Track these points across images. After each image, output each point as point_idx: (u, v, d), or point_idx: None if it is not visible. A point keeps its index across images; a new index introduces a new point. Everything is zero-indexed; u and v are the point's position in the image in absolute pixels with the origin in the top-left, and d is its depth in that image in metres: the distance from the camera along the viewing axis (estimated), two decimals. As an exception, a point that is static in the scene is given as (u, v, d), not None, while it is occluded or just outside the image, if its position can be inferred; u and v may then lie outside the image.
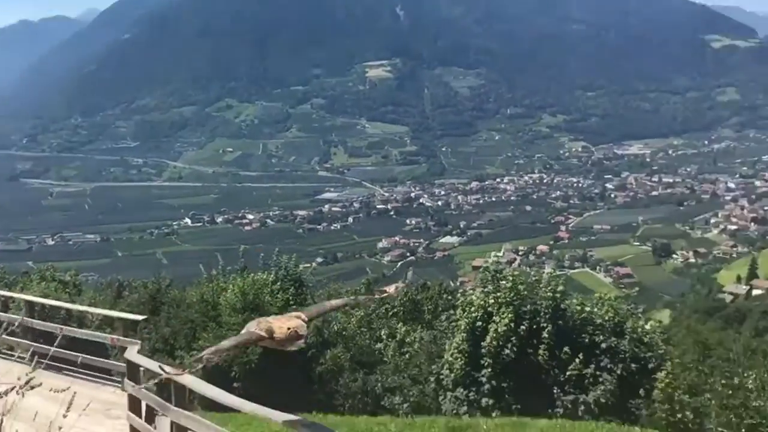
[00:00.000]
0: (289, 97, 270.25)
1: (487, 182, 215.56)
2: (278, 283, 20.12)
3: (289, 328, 4.09)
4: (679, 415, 13.25)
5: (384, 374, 17.15)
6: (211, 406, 11.09)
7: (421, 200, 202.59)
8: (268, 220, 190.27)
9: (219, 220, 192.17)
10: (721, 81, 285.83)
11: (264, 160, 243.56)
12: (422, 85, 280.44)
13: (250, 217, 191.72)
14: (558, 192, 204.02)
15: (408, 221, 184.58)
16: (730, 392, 14.10)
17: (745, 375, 14.96)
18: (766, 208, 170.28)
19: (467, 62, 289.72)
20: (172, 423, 8.88)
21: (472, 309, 15.43)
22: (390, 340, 19.60)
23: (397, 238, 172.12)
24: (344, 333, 19.18)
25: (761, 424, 13.78)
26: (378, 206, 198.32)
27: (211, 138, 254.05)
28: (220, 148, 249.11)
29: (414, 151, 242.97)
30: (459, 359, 15.10)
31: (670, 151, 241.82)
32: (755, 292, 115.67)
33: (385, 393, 16.33)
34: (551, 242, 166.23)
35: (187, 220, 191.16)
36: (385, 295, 6.11)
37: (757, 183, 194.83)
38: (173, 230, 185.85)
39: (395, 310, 23.94)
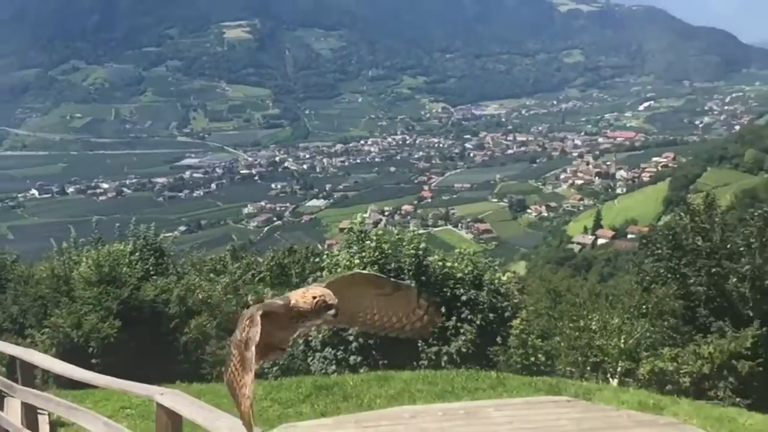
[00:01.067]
0: (141, 59, 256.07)
1: (351, 144, 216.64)
2: (137, 254, 19.31)
3: (314, 297, 3.12)
4: (532, 358, 14.18)
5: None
6: (68, 385, 10.58)
7: (285, 164, 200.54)
8: (125, 189, 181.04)
9: (70, 190, 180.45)
10: (568, 43, 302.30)
11: (117, 126, 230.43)
12: (283, 47, 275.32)
13: (105, 186, 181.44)
14: (420, 152, 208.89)
15: (273, 186, 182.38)
16: (577, 334, 15.30)
17: (590, 318, 16.26)
18: (608, 163, 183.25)
19: (329, 24, 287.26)
20: (22, 403, 8.39)
21: (338, 270, 15.59)
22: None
23: (262, 203, 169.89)
24: (209, 301, 18.79)
25: (604, 361, 15.10)
26: (242, 171, 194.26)
27: (56, 103, 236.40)
28: (68, 114, 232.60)
29: (277, 114, 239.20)
30: (326, 320, 15.26)
31: (523, 111, 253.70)
32: (600, 241, 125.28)
33: (253, 358, 16.22)
34: (415, 202, 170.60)
35: (34, 192, 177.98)
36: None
37: (600, 140, 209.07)
38: (19, 203, 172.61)
39: (262, 275, 23.73)
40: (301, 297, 3.15)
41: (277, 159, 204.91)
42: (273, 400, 8.02)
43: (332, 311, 3.16)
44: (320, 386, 8.44)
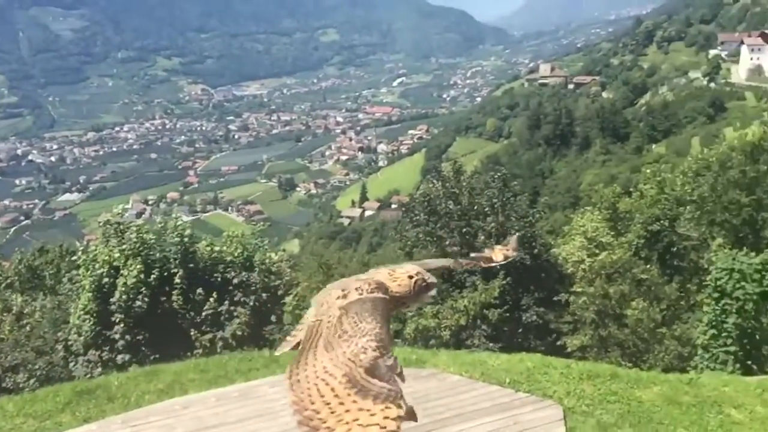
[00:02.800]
0: None
1: (105, 132, 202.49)
2: None
3: (411, 277, 2.47)
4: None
5: (2, 353, 15.37)
6: None
7: (30, 157, 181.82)
8: None
9: None
10: (323, 22, 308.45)
11: None
12: (16, 28, 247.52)
13: None
14: (182, 137, 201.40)
15: (17, 182, 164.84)
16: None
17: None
18: (369, 138, 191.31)
19: (66, 2, 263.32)
20: None
21: (97, 266, 14.57)
22: (5, 314, 17.54)
23: (6, 202, 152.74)
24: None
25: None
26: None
27: None
28: None
29: (15, 102, 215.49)
30: (88, 320, 14.22)
31: (284, 91, 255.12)
32: (367, 213, 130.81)
33: (6, 373, 14.69)
34: (181, 188, 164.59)
35: None
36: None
37: (360, 116, 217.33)
38: None
39: (9, 280, 21.43)
40: (392, 281, 2.46)
41: (19, 152, 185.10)
42: (27, 414, 7.32)
43: (433, 291, 2.58)
44: (81, 391, 7.87)
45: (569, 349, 19.14)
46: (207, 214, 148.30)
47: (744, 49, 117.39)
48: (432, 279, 2.52)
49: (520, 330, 20.24)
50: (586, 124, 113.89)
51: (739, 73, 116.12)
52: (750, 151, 25.39)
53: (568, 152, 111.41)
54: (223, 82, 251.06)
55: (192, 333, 14.67)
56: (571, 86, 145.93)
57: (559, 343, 19.62)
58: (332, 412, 1.98)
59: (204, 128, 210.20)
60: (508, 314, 18.15)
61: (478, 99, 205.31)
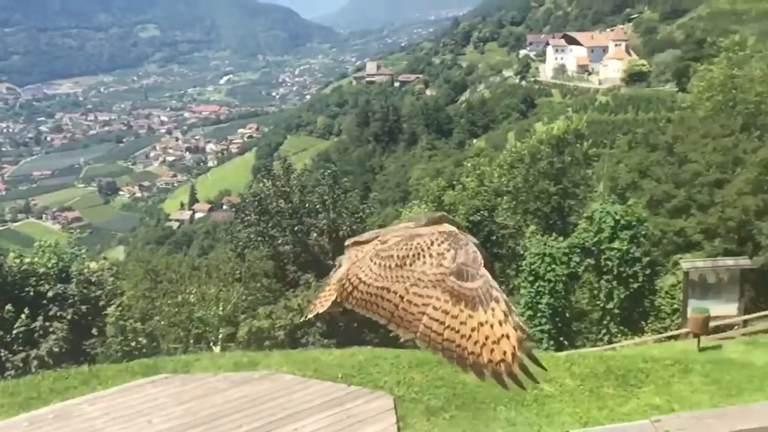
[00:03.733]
0: None
1: None
2: None
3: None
4: (133, 343, 13.76)
5: None
6: None
7: None
8: None
9: None
10: (141, 17, 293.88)
11: None
12: None
13: None
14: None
15: None
16: (176, 310, 15.34)
17: (188, 291, 16.45)
18: (196, 137, 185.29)
19: None
20: None
21: None
22: None
23: None
24: None
25: (206, 331, 15.48)
26: None
27: None
28: None
29: None
30: None
31: (101, 89, 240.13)
32: (198, 215, 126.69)
33: None
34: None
35: None
36: None
37: (186, 115, 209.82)
38: None
39: None
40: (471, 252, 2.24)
41: None
42: None
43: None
44: None
45: (402, 339, 19.75)
46: (18, 223, 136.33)
47: (549, 49, 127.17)
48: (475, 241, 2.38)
49: (355, 324, 20.56)
50: (412, 121, 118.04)
51: (546, 72, 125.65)
52: (556, 143, 27.62)
53: (397, 148, 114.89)
54: (32, 80, 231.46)
55: (1, 353, 13.43)
56: (396, 84, 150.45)
57: (392, 334, 20.17)
58: (459, 334, 2.09)
59: (11, 130, 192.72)
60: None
61: (308, 97, 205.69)
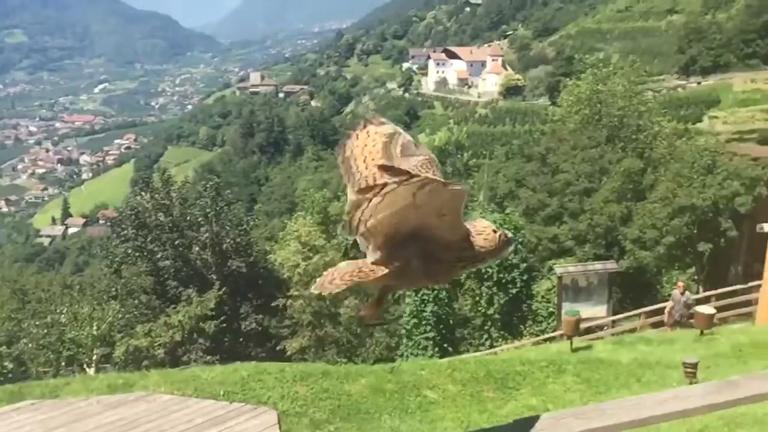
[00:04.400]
0: None
1: None
2: None
3: (495, 231, 2.14)
4: (-2, 369, 12.84)
5: None
6: None
7: None
8: None
9: None
10: (7, 22, 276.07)
11: None
12: None
13: None
14: None
15: None
16: (46, 331, 14.40)
17: (59, 311, 15.49)
18: (69, 148, 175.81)
19: None
20: None
21: None
22: None
23: None
24: None
25: (78, 353, 14.62)
26: None
27: None
28: None
29: None
30: None
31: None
32: (71, 230, 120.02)
33: None
34: None
35: None
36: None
37: (58, 125, 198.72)
38: None
39: None
40: (477, 234, 2.15)
41: None
42: None
43: (512, 246, 2.29)
44: None
45: (289, 353, 19.57)
46: None
47: (431, 63, 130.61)
48: (510, 234, 2.30)
49: (240, 339, 20.16)
50: (297, 132, 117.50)
51: (428, 85, 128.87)
52: (437, 155, 28.29)
53: (282, 159, 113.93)
54: None
55: None
56: (281, 95, 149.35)
57: (279, 347, 19.94)
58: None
59: None
60: (226, 325, 17.97)
61: (189, 107, 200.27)
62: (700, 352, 10.18)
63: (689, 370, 8.52)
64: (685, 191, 19.87)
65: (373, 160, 2.18)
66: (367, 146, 2.28)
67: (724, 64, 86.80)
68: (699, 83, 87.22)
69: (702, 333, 11.89)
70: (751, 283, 17.48)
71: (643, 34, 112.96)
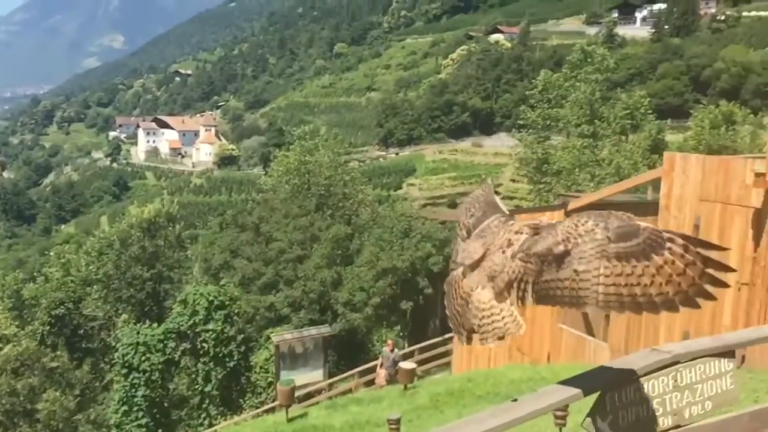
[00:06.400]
0: None
1: None
2: None
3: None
4: None
5: None
6: None
7: None
8: None
9: None
10: None
11: None
12: None
13: None
14: None
15: None
16: None
17: None
18: None
19: None
20: None
21: None
22: None
23: None
24: None
25: None
26: None
27: None
28: None
29: None
30: None
31: None
32: None
33: None
34: None
35: None
36: None
37: None
38: None
39: None
40: None
41: None
42: None
43: None
44: None
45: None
46: None
47: (141, 132, 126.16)
48: None
49: None
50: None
51: (138, 154, 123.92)
52: (147, 227, 27.06)
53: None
54: None
55: None
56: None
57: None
58: (639, 286, 2.46)
59: None
60: None
61: None
62: (404, 406, 10.81)
63: (393, 426, 8.95)
64: (386, 254, 21.40)
65: None
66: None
67: (417, 137, 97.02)
68: (397, 153, 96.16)
69: (406, 387, 12.66)
70: (446, 335, 19.26)
71: (346, 108, 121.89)
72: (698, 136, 30.90)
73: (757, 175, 8.90)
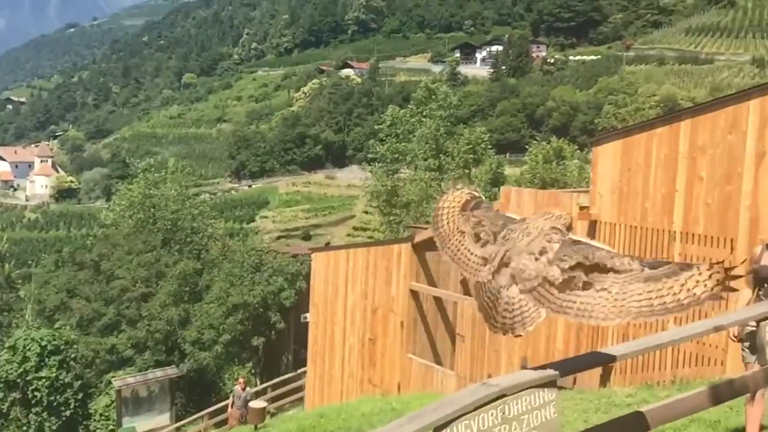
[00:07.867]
0: None
1: None
2: None
3: None
4: None
5: None
6: None
7: None
8: None
9: None
10: None
11: None
12: None
13: None
14: None
15: None
16: None
17: None
18: None
19: None
20: None
21: None
22: None
23: None
24: None
25: None
26: None
27: None
28: None
29: None
30: None
31: None
32: None
33: None
34: None
35: None
36: None
37: None
38: None
39: None
40: None
41: None
42: None
43: None
44: None
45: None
46: None
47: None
48: None
49: None
50: None
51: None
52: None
53: None
54: None
55: None
56: None
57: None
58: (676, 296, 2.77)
59: None
60: None
61: None
62: (253, 447, 10.52)
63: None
64: (237, 290, 20.91)
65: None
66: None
67: (269, 169, 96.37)
68: (250, 186, 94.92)
69: (257, 428, 12.36)
70: (299, 370, 19.05)
71: (196, 139, 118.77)
72: (533, 170, 32.99)
73: (582, 208, 9.67)
